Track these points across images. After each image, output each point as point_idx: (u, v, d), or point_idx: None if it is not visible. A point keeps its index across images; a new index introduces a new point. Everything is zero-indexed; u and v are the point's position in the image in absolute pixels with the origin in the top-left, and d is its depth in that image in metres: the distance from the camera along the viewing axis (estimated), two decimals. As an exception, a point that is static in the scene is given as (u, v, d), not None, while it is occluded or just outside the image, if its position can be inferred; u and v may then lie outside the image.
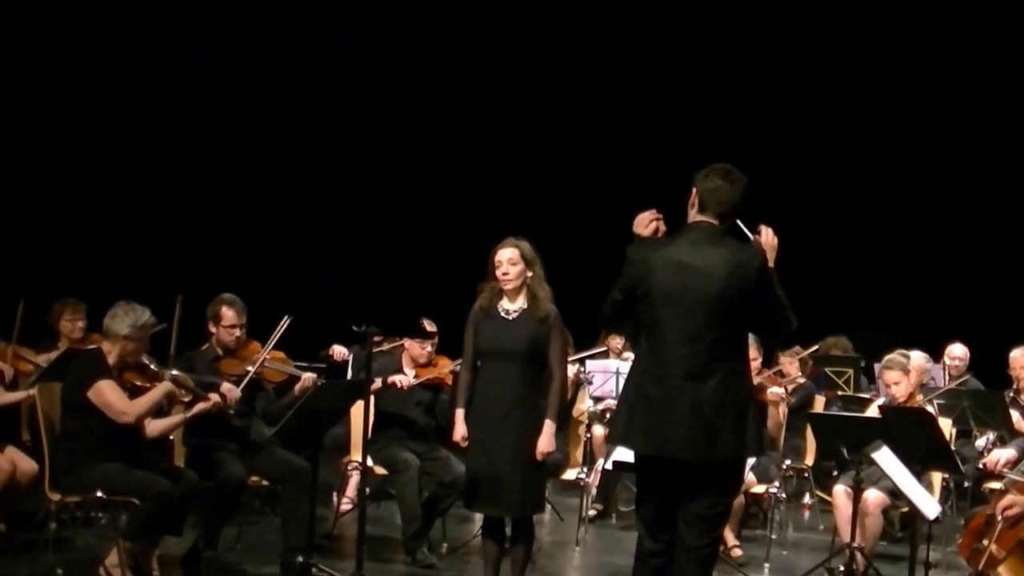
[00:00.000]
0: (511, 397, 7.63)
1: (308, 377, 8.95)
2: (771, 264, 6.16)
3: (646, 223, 6.31)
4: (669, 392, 5.97)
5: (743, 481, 6.35)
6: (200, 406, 8.28)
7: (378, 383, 9.21)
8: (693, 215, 6.17)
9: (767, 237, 6.25)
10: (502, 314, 7.74)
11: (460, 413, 7.85)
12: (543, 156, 16.82)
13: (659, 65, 16.67)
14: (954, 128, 16.01)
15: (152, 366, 8.21)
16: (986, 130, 15.91)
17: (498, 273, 7.73)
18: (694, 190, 6.18)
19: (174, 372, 8.32)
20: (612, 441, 6.80)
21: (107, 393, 7.81)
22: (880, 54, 16.22)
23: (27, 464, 8.73)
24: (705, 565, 6.12)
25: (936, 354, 11.87)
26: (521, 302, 7.74)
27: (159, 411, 8.23)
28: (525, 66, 16.72)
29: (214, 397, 8.34)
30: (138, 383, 8.04)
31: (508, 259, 7.72)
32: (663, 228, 6.29)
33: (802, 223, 15.61)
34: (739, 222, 6.26)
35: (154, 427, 8.18)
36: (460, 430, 7.82)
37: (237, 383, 8.69)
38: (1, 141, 13.83)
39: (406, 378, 9.67)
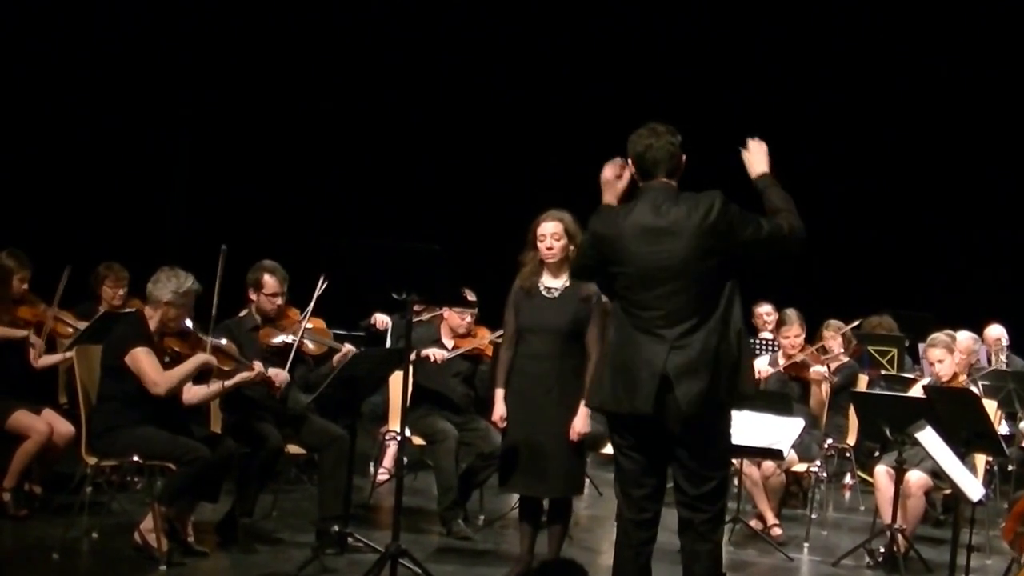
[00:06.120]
0: (553, 375, 7.60)
1: (348, 349, 8.89)
2: (766, 169, 6.15)
3: (617, 172, 6.24)
4: (650, 355, 5.90)
5: (730, 452, 6.24)
6: (242, 375, 8.20)
7: (413, 355, 9.11)
8: (643, 184, 6.12)
9: (754, 144, 6.22)
10: (543, 292, 7.70)
11: (500, 393, 7.82)
12: (587, 126, 16.68)
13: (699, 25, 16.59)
14: (1002, 101, 15.82)
15: (196, 332, 8.18)
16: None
17: (541, 247, 7.67)
18: (629, 161, 6.15)
19: (223, 341, 8.30)
20: (592, 405, 6.69)
21: (142, 361, 7.77)
22: (912, 32, 16.06)
23: (64, 427, 8.76)
24: (713, 541, 6.08)
25: (980, 335, 11.76)
26: (564, 279, 7.67)
27: (200, 377, 8.17)
28: (576, 33, 16.64)
29: (257, 366, 8.27)
30: (178, 349, 8.01)
31: (552, 233, 7.65)
32: (628, 176, 6.24)
33: (846, 201, 15.57)
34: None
35: (192, 394, 8.14)
36: (500, 410, 7.80)
37: (278, 352, 8.67)
38: (53, 105, 13.95)
39: (440, 352, 9.62)
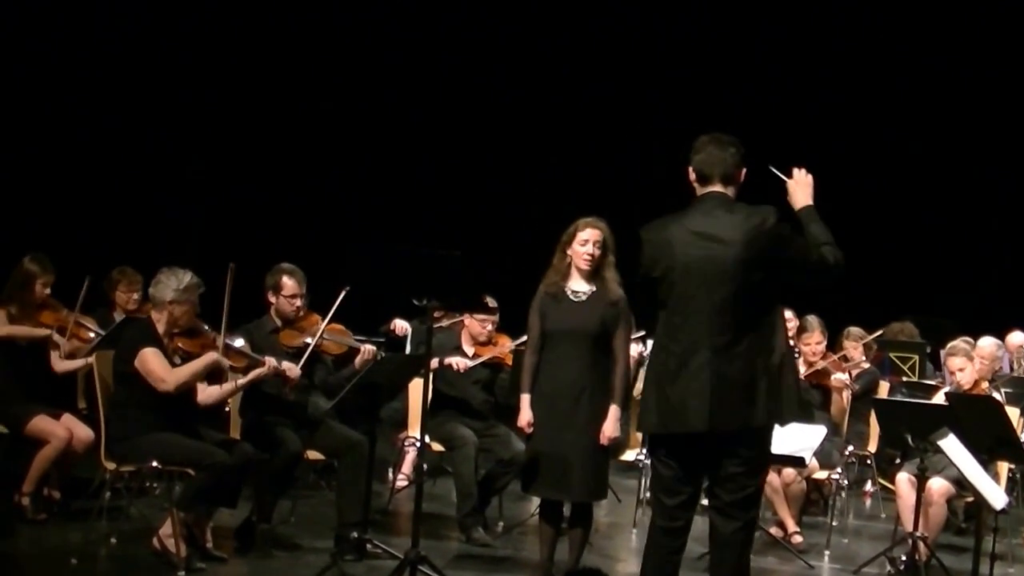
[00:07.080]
0: (582, 379, 7.56)
1: (368, 349, 8.83)
2: (809, 202, 6.10)
3: None
4: (695, 367, 5.89)
5: (770, 457, 6.25)
6: (255, 372, 8.19)
7: (435, 363, 9.02)
8: (700, 191, 6.12)
9: (800, 176, 6.17)
10: (571, 296, 7.67)
11: (526, 398, 7.75)
12: (587, 126, 16.65)
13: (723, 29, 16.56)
14: (1004, 101, 15.82)
15: (207, 331, 8.13)
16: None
17: (582, 251, 7.63)
18: (690, 169, 6.14)
19: (238, 341, 8.26)
20: (644, 429, 6.66)
21: (150, 360, 7.75)
22: (912, 32, 16.04)
23: (83, 432, 8.71)
24: (742, 550, 6.08)
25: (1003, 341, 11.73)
26: (592, 284, 7.64)
27: (214, 378, 8.11)
28: (576, 33, 16.59)
29: (270, 362, 8.23)
30: (188, 348, 8.00)
31: (596, 240, 7.63)
32: None
33: (869, 207, 15.53)
34: (772, 168, 6.18)
35: (207, 394, 8.13)
36: (527, 415, 7.73)
37: (297, 355, 8.60)
38: (53, 105, 13.94)
39: (463, 360, 9.55)
